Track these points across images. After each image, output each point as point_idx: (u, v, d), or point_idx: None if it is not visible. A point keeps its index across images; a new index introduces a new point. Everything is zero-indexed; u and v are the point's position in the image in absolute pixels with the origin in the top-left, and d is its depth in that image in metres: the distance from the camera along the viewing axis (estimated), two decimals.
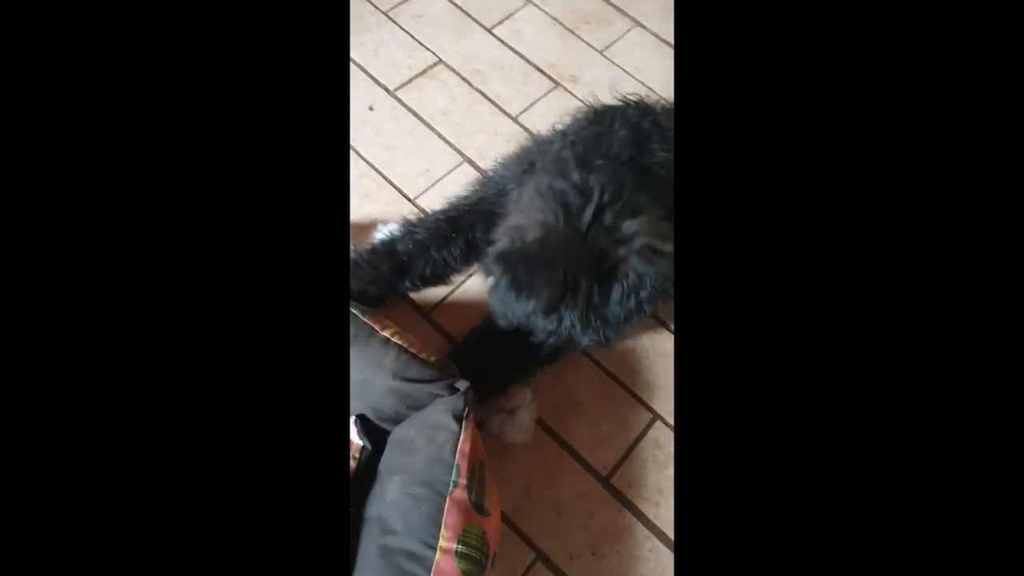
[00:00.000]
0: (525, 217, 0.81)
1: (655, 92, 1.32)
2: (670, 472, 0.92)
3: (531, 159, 0.99)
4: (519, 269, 0.77)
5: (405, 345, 0.78)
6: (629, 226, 0.76)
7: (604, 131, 0.90)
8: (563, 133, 0.97)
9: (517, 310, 0.78)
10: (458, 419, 0.74)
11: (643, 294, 0.75)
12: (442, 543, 0.66)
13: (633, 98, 1.00)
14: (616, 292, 0.76)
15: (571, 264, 0.75)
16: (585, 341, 0.80)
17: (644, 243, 0.76)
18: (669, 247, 0.76)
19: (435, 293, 1.04)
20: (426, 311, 1.03)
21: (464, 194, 1.07)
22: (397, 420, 0.78)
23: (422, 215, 1.09)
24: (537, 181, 0.83)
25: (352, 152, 1.18)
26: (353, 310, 0.82)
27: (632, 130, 0.89)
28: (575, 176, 0.79)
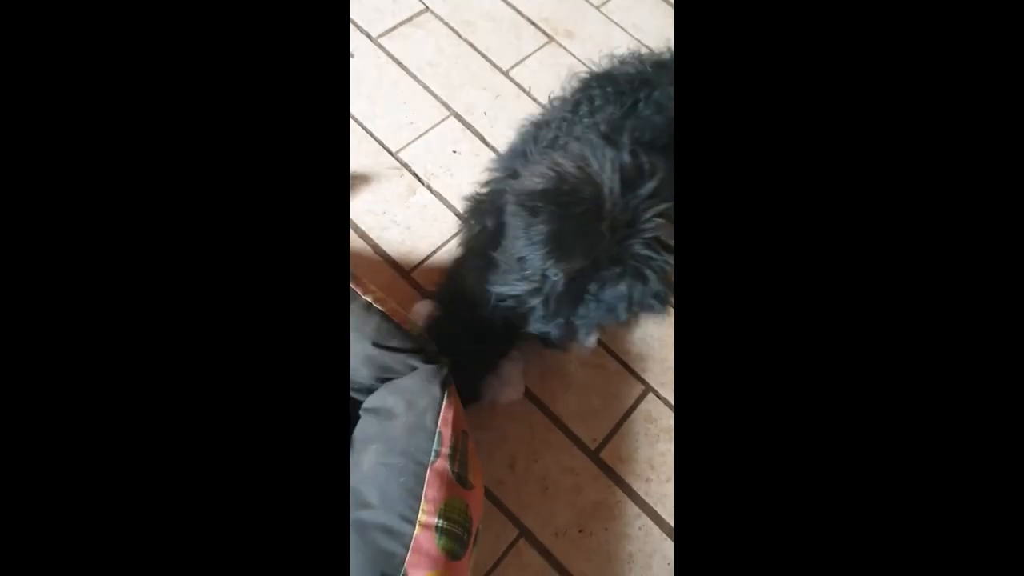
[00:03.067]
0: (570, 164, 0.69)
1: (653, 52, 1.26)
2: (662, 447, 0.88)
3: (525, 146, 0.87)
4: (558, 212, 0.66)
5: (388, 313, 0.71)
6: (653, 224, 0.67)
7: (627, 112, 0.79)
8: (577, 109, 0.83)
9: (528, 252, 0.67)
10: (442, 385, 0.68)
11: (635, 293, 0.67)
12: (422, 517, 0.60)
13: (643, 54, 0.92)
14: (612, 285, 0.68)
15: (597, 239, 0.66)
16: (548, 328, 0.73)
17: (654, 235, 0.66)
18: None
19: (416, 253, 0.98)
20: (406, 271, 0.96)
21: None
22: (370, 391, 0.72)
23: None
24: (585, 137, 0.73)
25: None
26: None
27: (660, 111, 0.79)
28: (624, 154, 0.68)
